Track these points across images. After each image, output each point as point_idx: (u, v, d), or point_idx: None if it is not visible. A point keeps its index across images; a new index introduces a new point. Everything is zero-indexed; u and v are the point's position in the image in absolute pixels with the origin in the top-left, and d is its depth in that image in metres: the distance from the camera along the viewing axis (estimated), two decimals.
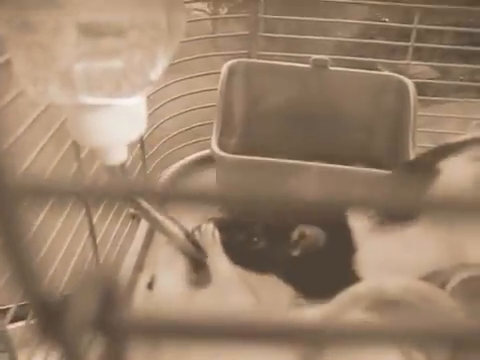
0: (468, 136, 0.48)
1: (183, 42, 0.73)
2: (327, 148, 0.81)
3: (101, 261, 0.59)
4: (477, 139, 0.47)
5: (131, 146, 0.44)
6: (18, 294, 0.46)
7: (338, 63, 0.80)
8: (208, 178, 0.74)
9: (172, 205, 0.14)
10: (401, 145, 0.73)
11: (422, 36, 0.90)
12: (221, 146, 0.70)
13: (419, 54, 0.98)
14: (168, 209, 0.62)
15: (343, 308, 0.38)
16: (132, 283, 0.58)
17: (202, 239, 0.50)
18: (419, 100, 0.87)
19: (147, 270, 0.56)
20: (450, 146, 0.48)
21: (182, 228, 0.50)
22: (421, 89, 1.04)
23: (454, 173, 0.46)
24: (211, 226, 0.50)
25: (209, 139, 0.76)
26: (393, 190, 0.13)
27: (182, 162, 0.79)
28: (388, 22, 1.62)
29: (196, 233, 0.50)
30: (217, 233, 0.50)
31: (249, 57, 0.79)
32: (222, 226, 0.51)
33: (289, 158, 0.79)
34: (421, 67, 1.52)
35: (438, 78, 1.40)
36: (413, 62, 0.87)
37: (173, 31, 0.38)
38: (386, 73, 0.78)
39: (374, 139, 0.80)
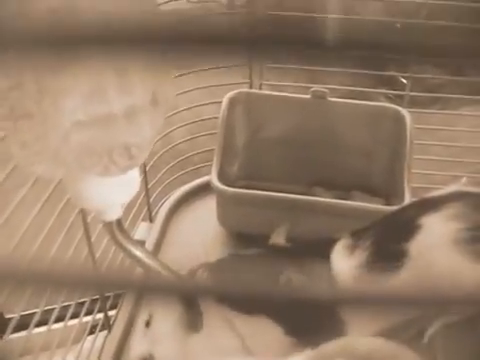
0: (447, 191, 0.50)
1: (182, 75, 0.76)
2: (327, 176, 0.83)
3: None
4: (456, 195, 0.49)
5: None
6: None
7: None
8: (208, 207, 0.76)
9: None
10: (398, 174, 0.74)
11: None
12: (222, 174, 0.72)
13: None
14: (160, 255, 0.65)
15: None
16: (132, 318, 0.62)
17: None
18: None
19: (146, 307, 0.59)
20: (430, 201, 0.50)
21: (175, 274, 0.53)
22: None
23: (434, 231, 0.48)
24: (204, 273, 0.53)
25: (205, 166, 0.79)
26: None
27: (183, 189, 0.81)
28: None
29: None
30: (209, 279, 0.53)
31: (251, 87, 0.81)
32: (212, 271, 0.53)
33: (290, 185, 0.81)
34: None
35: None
36: (411, 93, 0.86)
37: (159, 106, 0.40)
38: (383, 104, 0.79)
39: (372, 167, 0.81)
